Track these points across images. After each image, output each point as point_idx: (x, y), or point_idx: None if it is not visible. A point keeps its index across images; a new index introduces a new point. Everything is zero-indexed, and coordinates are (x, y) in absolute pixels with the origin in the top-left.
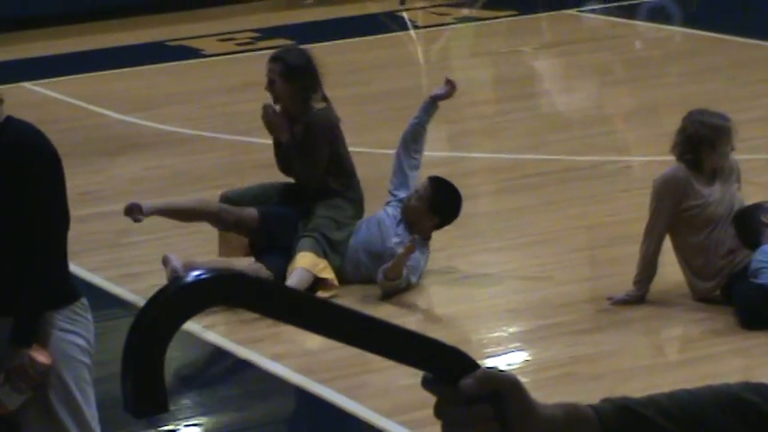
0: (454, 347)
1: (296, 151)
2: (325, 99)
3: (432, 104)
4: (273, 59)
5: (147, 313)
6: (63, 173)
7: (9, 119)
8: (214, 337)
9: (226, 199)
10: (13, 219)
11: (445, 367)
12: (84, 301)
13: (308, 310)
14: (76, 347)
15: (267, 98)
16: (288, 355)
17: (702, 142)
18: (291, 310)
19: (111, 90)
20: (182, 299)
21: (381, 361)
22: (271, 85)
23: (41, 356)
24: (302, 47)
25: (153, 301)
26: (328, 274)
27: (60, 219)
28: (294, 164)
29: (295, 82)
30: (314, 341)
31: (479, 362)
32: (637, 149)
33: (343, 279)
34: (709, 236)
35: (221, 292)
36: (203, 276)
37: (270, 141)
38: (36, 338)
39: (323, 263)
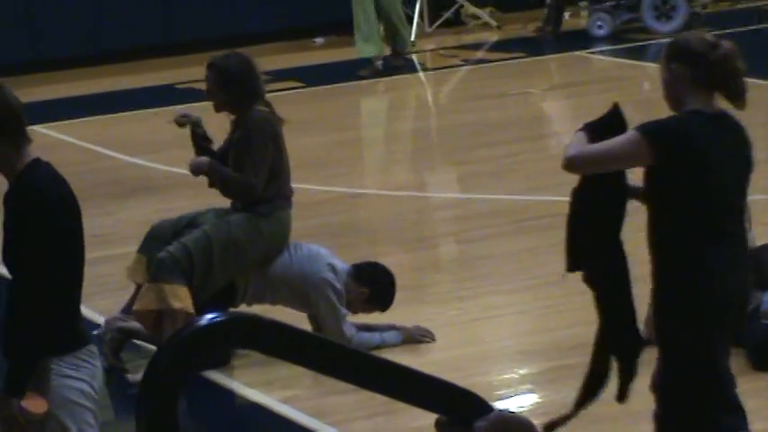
0: (468, 390)
1: (234, 154)
2: (267, 105)
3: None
4: (208, 66)
5: (162, 357)
6: (72, 219)
7: (36, 161)
8: (224, 379)
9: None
10: (18, 264)
11: (459, 410)
12: (91, 348)
13: (323, 353)
14: (79, 392)
15: None
16: (299, 398)
17: None
18: (306, 353)
19: (121, 133)
20: (196, 342)
21: (393, 403)
22: (209, 94)
23: (33, 406)
24: (241, 51)
25: (167, 344)
26: (179, 302)
27: (56, 266)
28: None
29: (230, 89)
30: (325, 384)
31: (491, 404)
32: None
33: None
34: None
35: (235, 334)
36: (217, 319)
37: None
38: (32, 386)
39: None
